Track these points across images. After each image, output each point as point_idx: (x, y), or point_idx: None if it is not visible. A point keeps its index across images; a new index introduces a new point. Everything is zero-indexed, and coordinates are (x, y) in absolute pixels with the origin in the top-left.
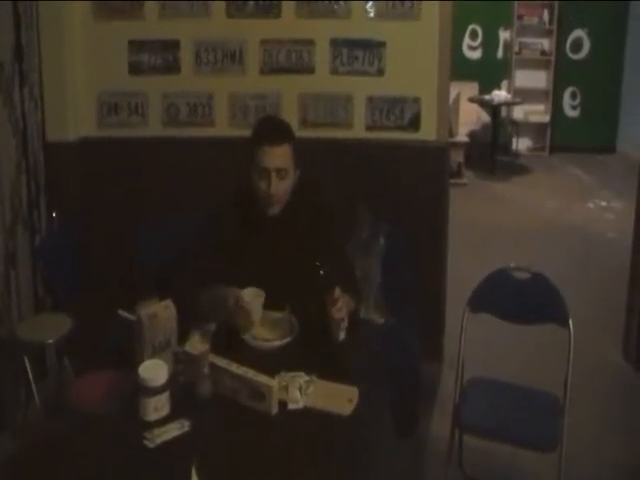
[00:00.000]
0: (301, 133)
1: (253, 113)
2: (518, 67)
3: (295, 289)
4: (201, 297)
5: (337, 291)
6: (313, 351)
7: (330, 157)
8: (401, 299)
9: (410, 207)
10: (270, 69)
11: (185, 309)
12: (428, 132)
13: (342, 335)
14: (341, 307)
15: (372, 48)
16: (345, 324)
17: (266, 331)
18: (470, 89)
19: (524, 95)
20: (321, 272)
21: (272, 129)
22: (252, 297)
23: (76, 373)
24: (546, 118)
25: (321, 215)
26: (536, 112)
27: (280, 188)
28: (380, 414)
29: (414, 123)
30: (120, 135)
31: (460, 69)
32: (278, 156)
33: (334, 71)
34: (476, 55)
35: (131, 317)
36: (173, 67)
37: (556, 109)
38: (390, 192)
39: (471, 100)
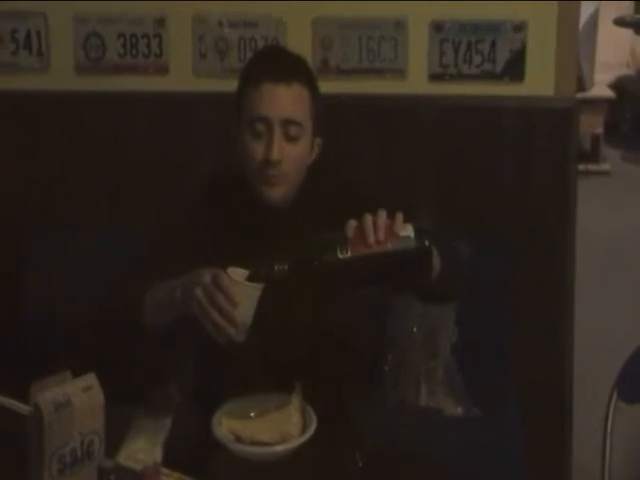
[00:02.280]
0: (320, 85)
1: (235, 52)
2: None
3: (314, 339)
4: (149, 293)
5: (351, 224)
6: (343, 462)
7: (368, 126)
8: (492, 374)
9: (508, 214)
10: None
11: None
12: (540, 83)
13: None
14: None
15: None
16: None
17: (261, 427)
18: (617, 4)
19: None
20: None
21: (279, 58)
22: (241, 280)
23: None
24: None
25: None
26: None
27: (288, 154)
28: None
29: (515, 68)
30: None
31: None
32: (286, 100)
33: None
34: None
35: (20, 408)
36: None
37: None
38: (472, 188)
39: (620, 23)
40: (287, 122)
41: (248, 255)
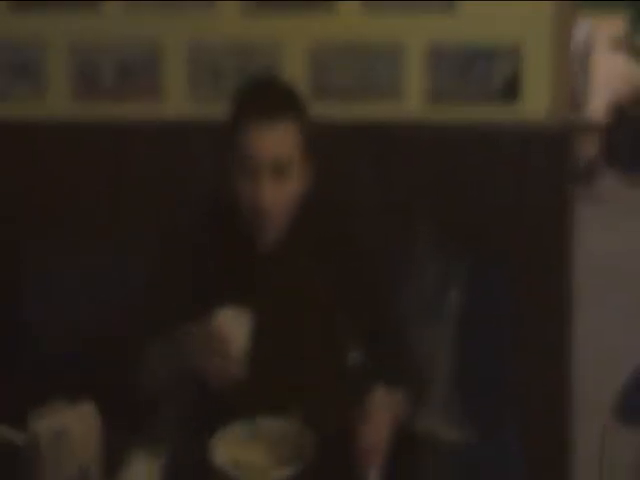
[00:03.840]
0: (316, 109)
1: (232, 78)
2: None
3: (306, 380)
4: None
5: (375, 400)
6: None
7: (365, 150)
8: (489, 398)
9: (504, 237)
10: (261, 1)
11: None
12: (534, 106)
13: (373, 476)
14: (377, 429)
15: None
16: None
17: (259, 452)
18: (611, 27)
19: None
20: (354, 362)
21: (266, 96)
22: (229, 318)
23: None
24: None
25: (351, 250)
26: None
27: (279, 196)
28: None
29: (510, 90)
30: None
31: None
32: (275, 140)
33: (370, 4)
34: None
35: (17, 437)
36: None
37: None
38: (469, 211)
39: (615, 46)
40: (277, 163)
41: (242, 291)
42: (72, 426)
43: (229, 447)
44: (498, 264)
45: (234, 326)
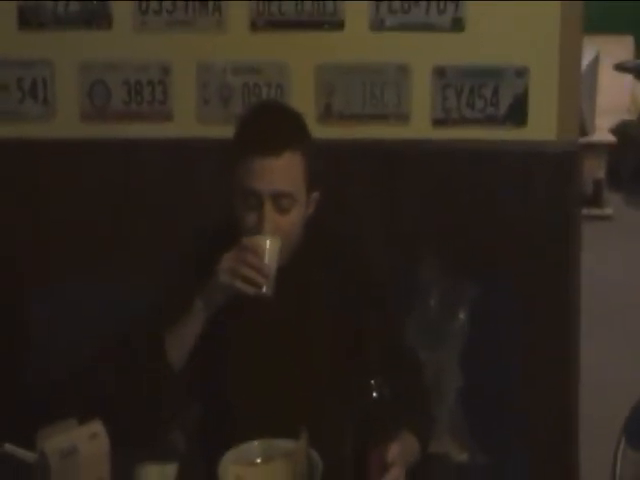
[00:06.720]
0: (322, 132)
1: (240, 98)
2: None
3: (315, 402)
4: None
5: (393, 451)
6: None
7: (372, 172)
8: (497, 419)
9: (511, 259)
10: (269, 22)
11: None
12: (542, 128)
13: None
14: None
15: None
16: None
17: (268, 473)
18: (619, 49)
19: None
20: (374, 394)
21: (267, 126)
22: (261, 239)
23: None
24: None
25: (357, 276)
26: None
27: (281, 226)
28: None
29: (518, 113)
30: (4, 135)
31: (601, 14)
32: (276, 172)
33: (377, 25)
34: None
35: (26, 455)
36: (99, 17)
37: None
38: (476, 232)
39: (620, 68)
40: (278, 195)
41: (245, 329)
42: (81, 445)
43: (238, 468)
44: (503, 285)
45: (266, 245)
